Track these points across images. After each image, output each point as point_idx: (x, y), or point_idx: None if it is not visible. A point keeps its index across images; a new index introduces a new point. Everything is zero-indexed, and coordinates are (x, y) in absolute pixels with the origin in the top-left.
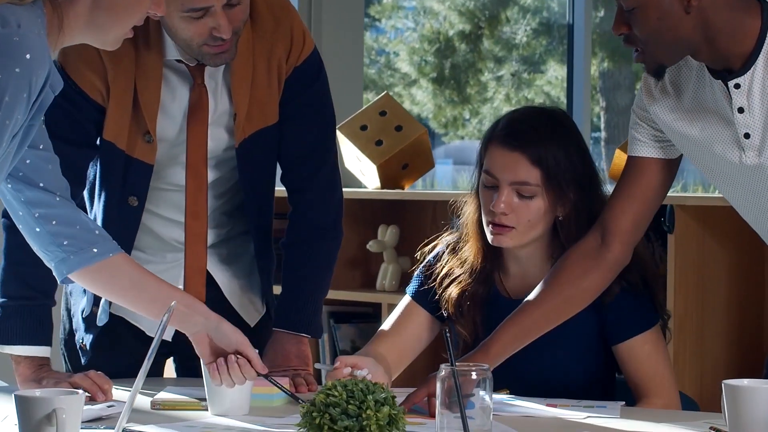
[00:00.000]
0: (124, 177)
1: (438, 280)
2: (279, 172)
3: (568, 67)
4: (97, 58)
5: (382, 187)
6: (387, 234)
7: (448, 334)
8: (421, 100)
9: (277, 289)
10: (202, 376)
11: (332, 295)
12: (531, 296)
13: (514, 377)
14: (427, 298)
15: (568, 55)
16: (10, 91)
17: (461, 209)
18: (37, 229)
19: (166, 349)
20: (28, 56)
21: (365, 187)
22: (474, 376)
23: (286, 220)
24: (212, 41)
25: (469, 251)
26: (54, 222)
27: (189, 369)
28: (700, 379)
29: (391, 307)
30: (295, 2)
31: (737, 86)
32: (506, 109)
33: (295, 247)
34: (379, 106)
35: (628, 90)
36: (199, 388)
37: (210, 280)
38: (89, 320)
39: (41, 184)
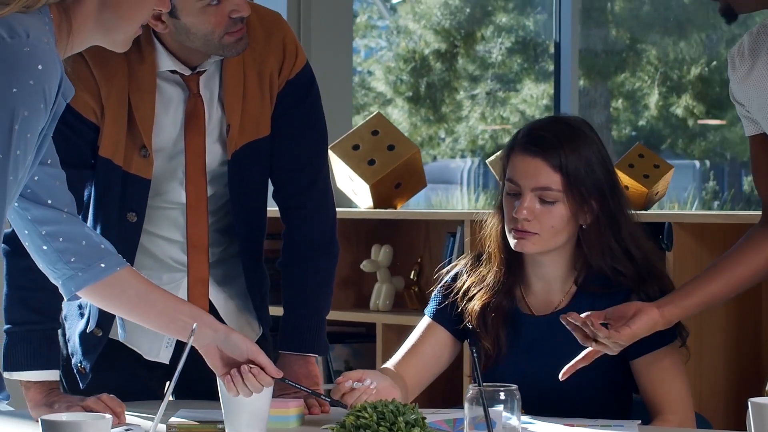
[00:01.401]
0: (122, 193)
1: (459, 295)
2: (271, 189)
3: (555, 84)
4: (89, 76)
5: (375, 207)
6: (380, 254)
7: (475, 354)
8: (396, 119)
9: (275, 310)
10: (201, 398)
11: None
12: (714, 265)
13: (531, 393)
14: (446, 316)
15: (555, 73)
16: (27, 105)
17: (485, 222)
18: (44, 247)
19: (162, 371)
20: (40, 67)
21: (358, 207)
22: (502, 396)
23: (279, 240)
24: (232, 26)
25: (492, 263)
26: (61, 239)
27: (186, 391)
28: (699, 396)
29: (386, 327)
30: None
31: None
32: (481, 128)
33: (293, 266)
34: (371, 125)
35: (603, 107)
36: (213, 411)
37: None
38: (87, 342)
39: (49, 201)
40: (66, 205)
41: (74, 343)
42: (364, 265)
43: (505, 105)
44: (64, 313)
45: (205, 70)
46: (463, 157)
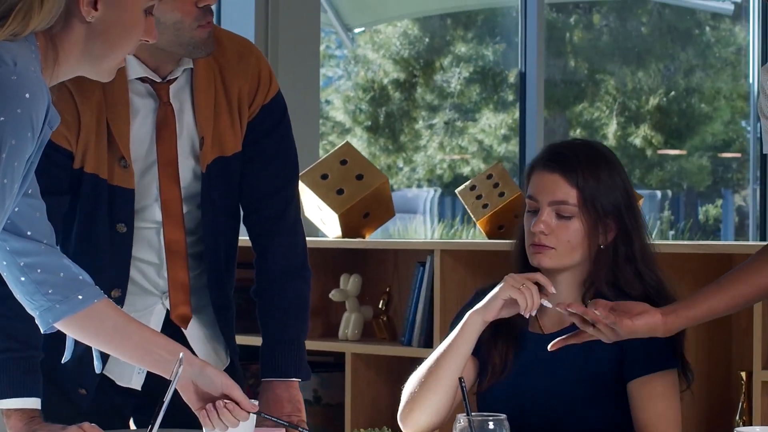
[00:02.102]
0: (110, 206)
1: None
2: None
3: (520, 114)
4: (68, 100)
5: (344, 236)
6: (349, 283)
7: (463, 383)
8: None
9: (250, 340)
10: (182, 427)
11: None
12: (720, 281)
13: (536, 409)
14: None
15: (520, 102)
16: (15, 134)
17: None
18: (22, 278)
19: (134, 399)
20: (27, 95)
21: (326, 236)
22: (491, 425)
23: (251, 269)
24: (202, 18)
25: None
26: (39, 270)
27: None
28: None
29: (354, 356)
30: None
31: None
32: (439, 157)
33: (267, 293)
34: (340, 154)
35: (562, 137)
36: None
37: (176, 330)
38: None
39: (29, 233)
40: (45, 236)
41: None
42: (333, 295)
43: (464, 134)
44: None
45: (175, 78)
46: (419, 186)
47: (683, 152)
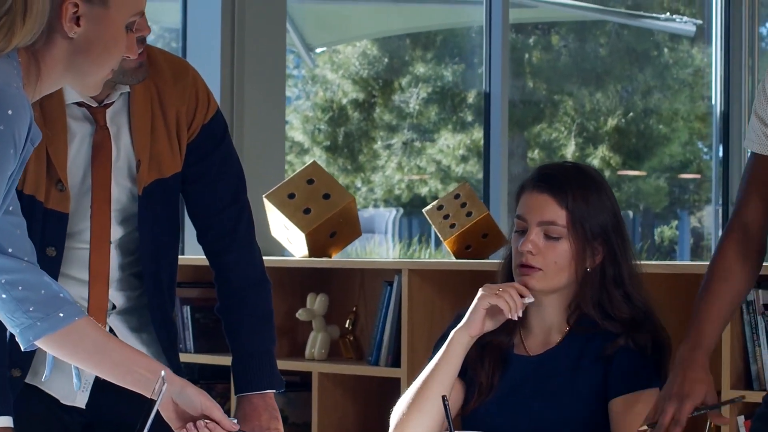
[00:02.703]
0: (42, 229)
1: None
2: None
3: (485, 134)
4: None
5: (310, 255)
6: (316, 302)
7: (447, 402)
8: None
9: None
10: None
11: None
12: (706, 295)
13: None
14: None
15: (484, 123)
16: None
17: None
18: (3, 296)
19: (80, 418)
20: (10, 112)
21: (293, 256)
22: None
23: (212, 287)
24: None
25: None
26: (20, 287)
27: None
28: None
29: (321, 375)
30: (217, 71)
31: None
32: (398, 177)
33: (231, 308)
34: (307, 174)
35: (521, 158)
36: None
37: None
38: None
39: (10, 250)
40: (26, 253)
41: None
42: (300, 314)
43: (422, 155)
44: None
45: (112, 103)
46: (376, 206)
47: (643, 173)
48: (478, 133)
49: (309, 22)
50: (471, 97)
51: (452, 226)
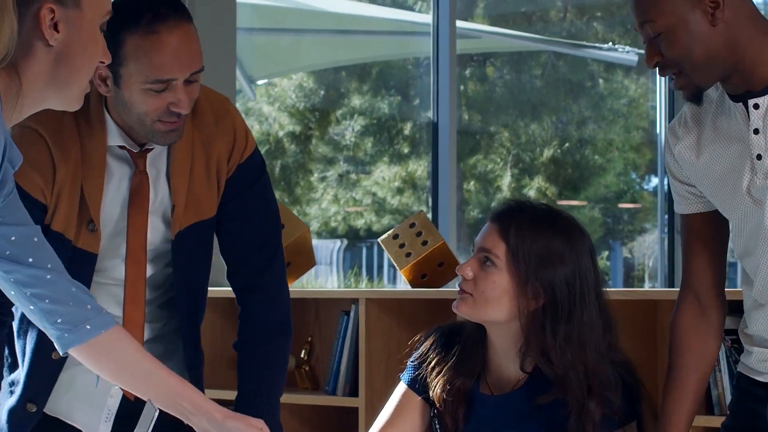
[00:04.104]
0: (69, 267)
1: (428, 370)
2: (224, 269)
3: (433, 164)
4: (46, 155)
5: None
6: None
7: (437, 425)
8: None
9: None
10: None
11: (216, 395)
12: (669, 384)
13: None
14: (420, 384)
15: (432, 152)
16: None
17: None
18: (31, 307)
19: None
20: None
21: None
22: None
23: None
24: (167, 117)
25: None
26: (47, 300)
27: None
28: None
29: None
30: None
31: (756, 106)
32: (334, 209)
33: (248, 347)
34: None
35: (456, 189)
36: None
37: None
38: (18, 419)
39: (30, 260)
40: (48, 260)
41: (1, 421)
42: None
43: (357, 187)
44: None
45: (152, 148)
46: (313, 238)
47: (584, 203)
48: (414, 165)
49: (249, 54)
50: (407, 129)
51: (408, 254)
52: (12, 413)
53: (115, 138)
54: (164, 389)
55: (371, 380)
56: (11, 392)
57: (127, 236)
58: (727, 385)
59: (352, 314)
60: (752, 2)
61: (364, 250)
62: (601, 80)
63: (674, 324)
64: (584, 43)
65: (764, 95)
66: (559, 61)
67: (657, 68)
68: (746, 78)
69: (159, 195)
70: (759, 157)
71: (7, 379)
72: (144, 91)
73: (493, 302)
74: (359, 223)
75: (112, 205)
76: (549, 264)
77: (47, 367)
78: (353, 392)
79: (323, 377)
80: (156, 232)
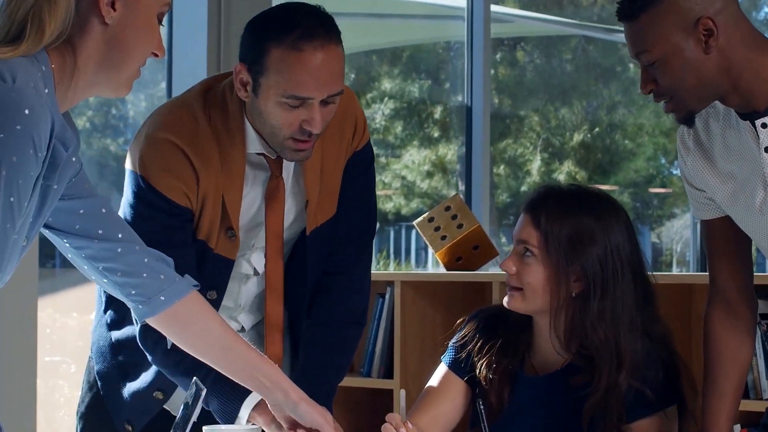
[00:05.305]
0: (206, 272)
1: (474, 351)
2: None
3: (467, 147)
4: (187, 166)
5: None
6: None
7: (481, 407)
8: None
9: None
10: None
11: None
12: (709, 386)
13: None
14: (462, 366)
15: (466, 136)
16: (15, 151)
17: None
18: (105, 281)
19: None
20: (27, 111)
21: None
22: None
23: None
24: (299, 134)
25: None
26: (119, 274)
27: None
28: None
29: None
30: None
31: (764, 125)
32: None
33: (321, 328)
34: None
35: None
36: None
37: None
38: (145, 402)
39: (100, 232)
40: (119, 230)
41: (122, 402)
42: None
43: (387, 171)
44: (97, 368)
45: None
46: None
47: (615, 187)
48: (444, 149)
49: None
50: (437, 113)
51: (443, 237)
52: (136, 395)
53: (254, 145)
54: (242, 363)
55: (406, 362)
56: (118, 359)
57: (266, 239)
58: (762, 370)
59: (387, 297)
60: (747, 21)
61: (392, 233)
62: (631, 65)
63: (707, 329)
64: (615, 27)
65: None
66: (590, 46)
67: (652, 95)
68: (746, 97)
69: (292, 196)
70: None
71: (109, 336)
72: (279, 103)
73: (539, 292)
74: (388, 206)
75: (249, 211)
76: (580, 245)
77: None
78: (388, 374)
79: (358, 359)
80: (288, 231)
